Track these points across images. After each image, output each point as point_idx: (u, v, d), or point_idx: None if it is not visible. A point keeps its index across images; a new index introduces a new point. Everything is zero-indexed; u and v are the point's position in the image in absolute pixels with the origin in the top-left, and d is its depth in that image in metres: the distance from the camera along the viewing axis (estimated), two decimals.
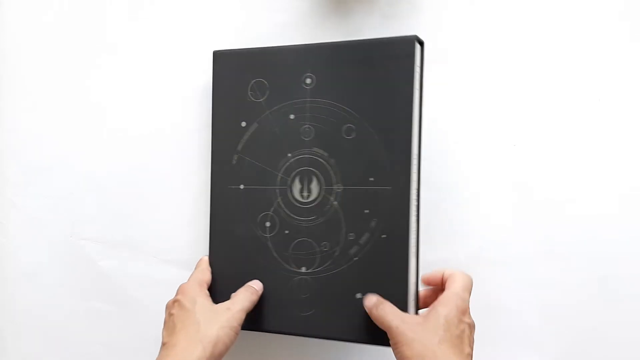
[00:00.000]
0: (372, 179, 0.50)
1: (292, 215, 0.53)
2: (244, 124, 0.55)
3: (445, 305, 0.46)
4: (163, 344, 0.50)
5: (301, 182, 0.53)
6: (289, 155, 0.53)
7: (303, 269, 0.53)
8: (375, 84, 0.50)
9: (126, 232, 0.63)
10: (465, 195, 0.57)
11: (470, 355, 0.46)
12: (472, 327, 0.47)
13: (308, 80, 0.53)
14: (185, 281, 0.54)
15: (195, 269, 0.56)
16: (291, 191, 0.53)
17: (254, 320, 0.53)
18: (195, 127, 0.61)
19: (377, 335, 0.48)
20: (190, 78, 0.62)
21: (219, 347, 0.48)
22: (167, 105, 0.62)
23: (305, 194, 0.53)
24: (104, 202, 0.63)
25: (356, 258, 0.51)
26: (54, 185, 0.64)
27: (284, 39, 0.59)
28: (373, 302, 0.49)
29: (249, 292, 0.53)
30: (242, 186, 0.55)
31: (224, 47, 0.57)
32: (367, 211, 0.50)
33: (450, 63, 0.58)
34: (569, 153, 0.57)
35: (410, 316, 0.48)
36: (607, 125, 0.56)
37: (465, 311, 0.47)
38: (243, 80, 0.55)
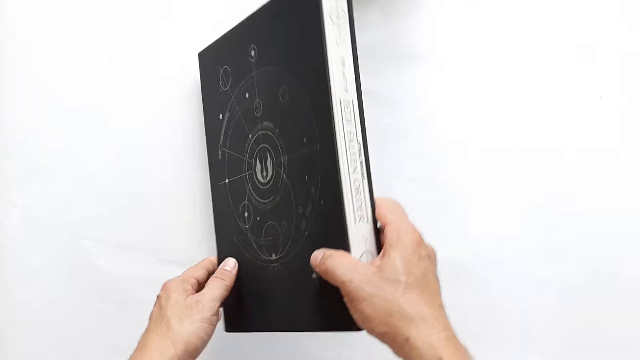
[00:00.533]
0: (305, 139, 0.44)
1: (258, 199, 0.50)
2: (220, 116, 0.54)
3: (395, 245, 0.40)
4: (137, 346, 0.49)
5: (260, 162, 0.49)
6: (250, 136, 0.50)
7: (273, 256, 0.48)
8: (294, 37, 0.45)
9: (126, 232, 0.62)
10: (466, 194, 0.57)
11: (439, 292, 0.40)
12: (433, 257, 0.42)
13: (252, 53, 0.49)
14: None
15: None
16: (255, 174, 0.50)
17: (239, 322, 0.52)
18: (194, 126, 0.61)
19: (340, 318, 0.40)
20: (189, 78, 0.62)
21: (192, 342, 0.46)
22: (167, 105, 0.62)
23: (264, 173, 0.49)
24: (104, 202, 0.63)
25: (306, 233, 0.45)
26: (54, 185, 0.64)
27: None
28: (319, 258, 0.42)
29: (218, 280, 0.51)
30: (227, 180, 0.54)
31: None
32: (306, 177, 0.44)
33: (450, 60, 0.58)
34: (569, 152, 0.56)
35: (364, 266, 0.40)
36: (607, 123, 0.56)
37: (419, 242, 0.41)
38: (215, 72, 0.54)
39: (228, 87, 0.52)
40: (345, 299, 0.39)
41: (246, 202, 0.51)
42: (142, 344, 0.48)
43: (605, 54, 0.57)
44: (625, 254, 0.55)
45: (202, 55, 0.57)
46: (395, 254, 0.39)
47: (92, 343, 0.63)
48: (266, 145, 0.48)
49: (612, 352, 0.55)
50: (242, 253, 0.52)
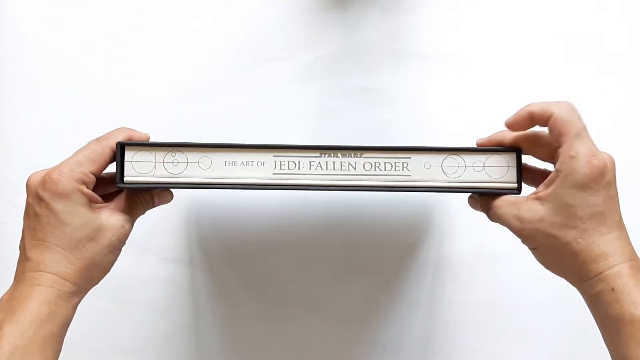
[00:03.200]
0: None
1: None
2: None
3: (566, 174, 0.38)
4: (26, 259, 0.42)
5: None
6: None
7: None
8: None
9: None
10: None
11: (619, 218, 0.39)
12: (612, 182, 0.39)
13: None
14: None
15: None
16: None
17: None
18: (194, 126, 0.61)
19: None
20: (189, 77, 0.61)
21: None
22: (166, 105, 0.62)
23: None
24: None
25: None
26: None
27: (283, 36, 0.58)
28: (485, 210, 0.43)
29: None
30: None
31: (222, 46, 0.57)
32: None
33: (451, 57, 0.57)
34: None
35: (528, 208, 0.40)
36: (608, 119, 0.56)
37: (601, 171, 0.38)
38: None
39: None
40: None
41: None
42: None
43: (605, 52, 0.56)
44: None
45: None
46: (563, 189, 0.38)
47: (93, 341, 0.63)
48: None
49: None
50: None
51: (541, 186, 0.40)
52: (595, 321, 0.40)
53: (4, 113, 0.65)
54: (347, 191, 0.44)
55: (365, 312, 0.60)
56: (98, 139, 0.44)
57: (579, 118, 0.39)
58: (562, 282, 0.56)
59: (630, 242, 0.39)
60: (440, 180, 0.43)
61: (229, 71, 0.61)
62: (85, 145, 0.44)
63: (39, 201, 0.41)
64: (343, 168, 0.44)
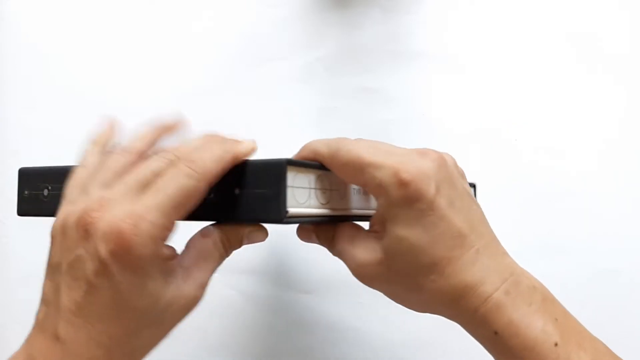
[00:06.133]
0: None
1: None
2: None
3: (391, 211, 0.29)
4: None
5: None
6: None
7: None
8: None
9: None
10: None
11: (489, 232, 0.32)
12: (441, 185, 0.29)
13: None
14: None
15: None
16: None
17: None
18: (193, 126, 0.61)
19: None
20: (190, 77, 0.61)
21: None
22: (166, 105, 0.62)
23: None
24: None
25: None
26: None
27: (283, 36, 0.58)
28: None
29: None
30: None
31: (222, 46, 0.57)
32: None
33: (451, 57, 0.57)
34: (570, 148, 0.56)
35: (364, 255, 0.30)
36: (609, 119, 0.56)
37: (415, 182, 0.28)
38: None
39: None
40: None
41: None
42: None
43: (605, 50, 0.56)
44: (627, 248, 0.55)
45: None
46: (397, 230, 0.28)
47: None
48: None
49: (615, 348, 0.55)
50: None
51: (375, 225, 0.31)
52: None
53: (4, 113, 0.64)
54: None
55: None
56: (190, 164, 0.28)
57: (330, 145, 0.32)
58: (560, 281, 0.56)
59: (500, 251, 0.31)
60: None
61: (229, 71, 0.61)
62: (168, 173, 0.28)
63: (103, 268, 0.26)
64: None
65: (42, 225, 0.64)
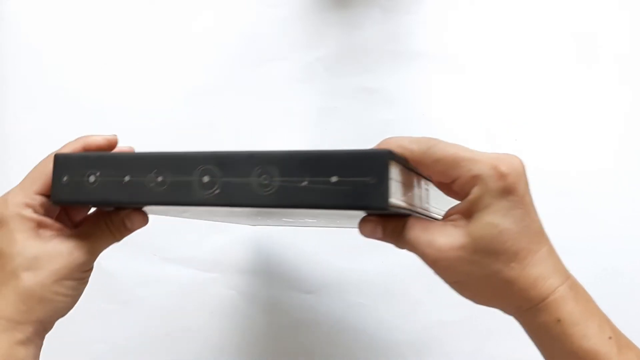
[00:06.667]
0: None
1: None
2: None
3: (478, 202, 0.32)
4: None
5: None
6: None
7: None
8: None
9: None
10: None
11: (543, 234, 0.34)
12: (525, 197, 0.33)
13: None
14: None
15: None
16: None
17: None
18: (193, 126, 0.61)
19: None
20: (190, 77, 0.61)
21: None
22: (166, 105, 0.62)
23: None
24: None
25: None
26: None
27: (283, 36, 0.58)
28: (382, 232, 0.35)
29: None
30: None
31: (222, 47, 0.57)
32: None
33: (451, 57, 0.57)
34: (570, 147, 0.56)
35: (446, 237, 0.33)
36: (609, 119, 0.56)
37: (508, 188, 0.32)
38: None
39: None
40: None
41: None
42: None
43: (606, 49, 0.56)
44: (629, 248, 0.55)
45: None
46: (489, 217, 0.31)
47: (93, 341, 0.63)
48: None
49: None
50: None
51: (453, 215, 0.34)
52: (539, 350, 0.35)
53: (4, 113, 0.64)
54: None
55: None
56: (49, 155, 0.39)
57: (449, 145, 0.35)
58: None
59: (557, 254, 0.35)
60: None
61: (229, 71, 0.61)
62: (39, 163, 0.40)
63: None
64: None
65: None
